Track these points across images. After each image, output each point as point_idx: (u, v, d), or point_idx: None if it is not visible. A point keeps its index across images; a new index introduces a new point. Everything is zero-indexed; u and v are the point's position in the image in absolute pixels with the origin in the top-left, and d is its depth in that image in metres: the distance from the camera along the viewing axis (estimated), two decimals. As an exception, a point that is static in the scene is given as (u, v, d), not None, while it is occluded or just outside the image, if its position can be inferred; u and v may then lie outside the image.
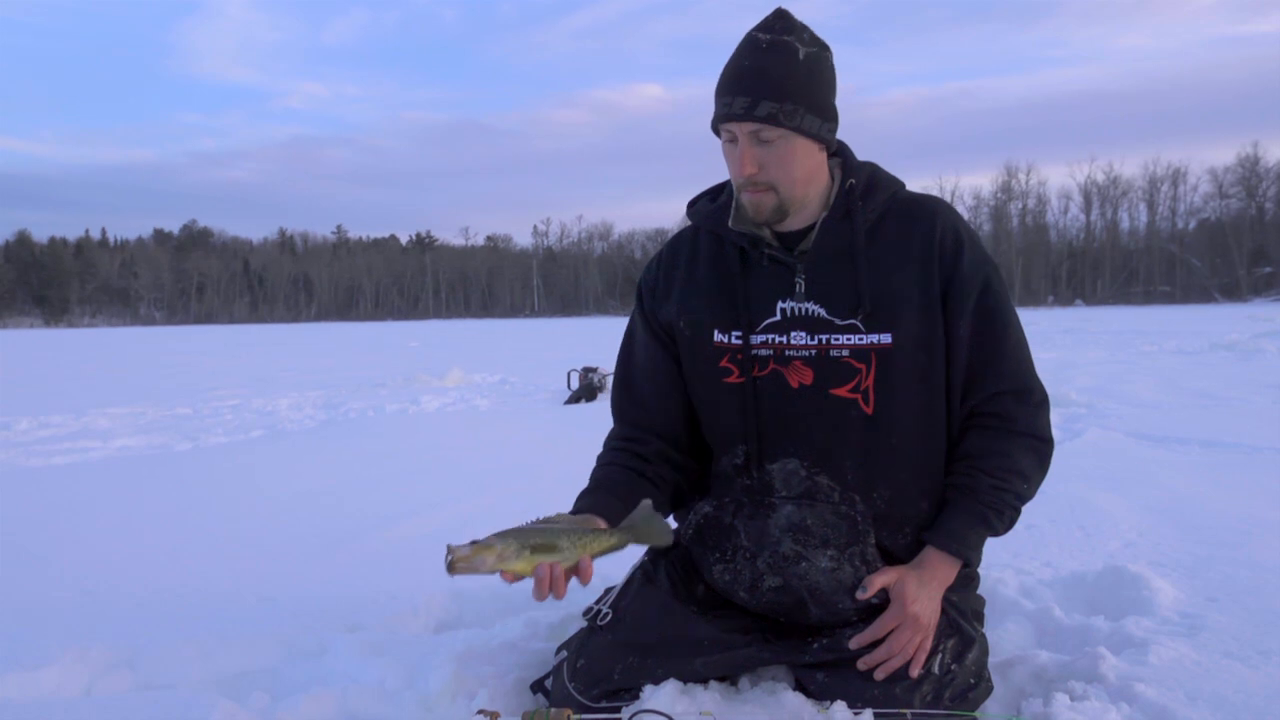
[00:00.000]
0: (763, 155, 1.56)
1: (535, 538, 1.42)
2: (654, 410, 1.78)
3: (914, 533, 1.66)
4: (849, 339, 1.59)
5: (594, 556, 1.46)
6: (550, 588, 1.41)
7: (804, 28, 1.59)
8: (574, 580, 1.45)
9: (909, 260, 1.61)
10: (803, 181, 1.61)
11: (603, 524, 1.52)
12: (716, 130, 1.63)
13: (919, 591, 1.57)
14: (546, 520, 1.48)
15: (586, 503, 1.64)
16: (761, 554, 1.64)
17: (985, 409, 1.64)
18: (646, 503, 1.56)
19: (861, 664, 1.56)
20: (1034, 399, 1.65)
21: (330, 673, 1.91)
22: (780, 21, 1.59)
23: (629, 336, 1.87)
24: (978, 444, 1.64)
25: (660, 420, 1.77)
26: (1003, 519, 1.63)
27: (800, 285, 1.62)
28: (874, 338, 1.59)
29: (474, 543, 1.38)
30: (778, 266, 1.65)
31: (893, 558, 1.65)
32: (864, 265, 1.60)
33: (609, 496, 1.64)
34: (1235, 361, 10.19)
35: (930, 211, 1.65)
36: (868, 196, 1.64)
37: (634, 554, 1.86)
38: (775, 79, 1.53)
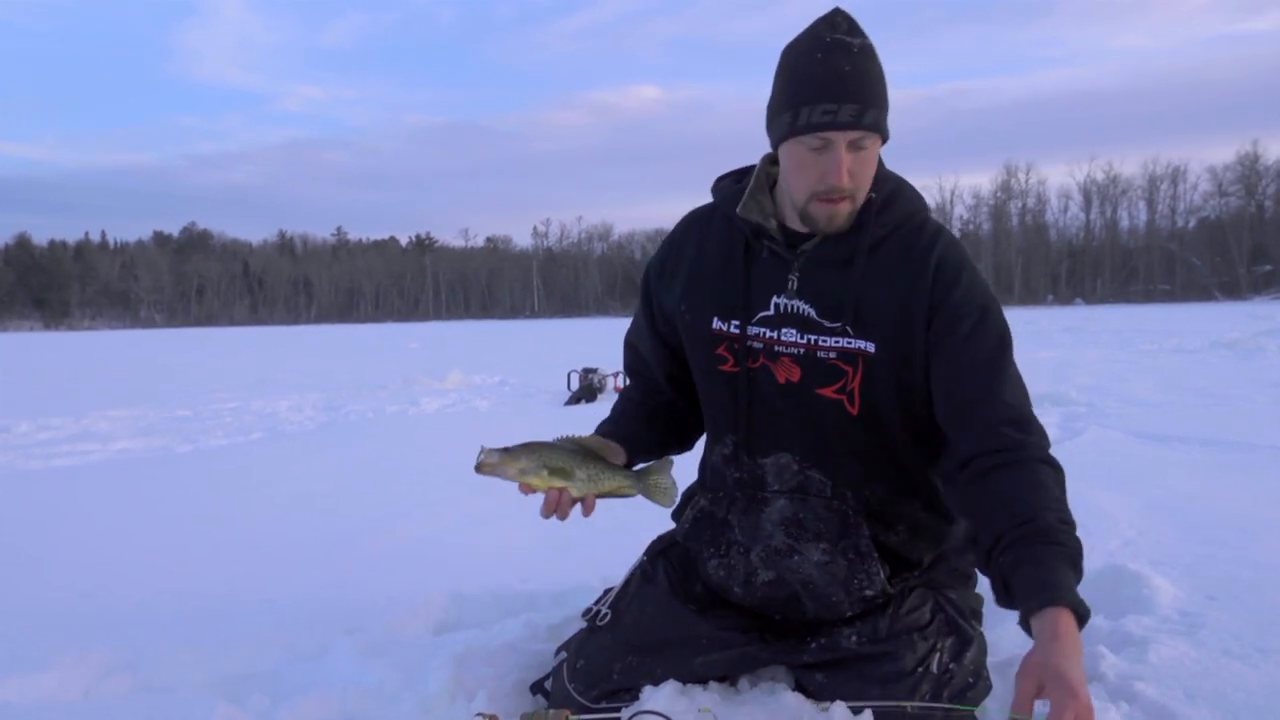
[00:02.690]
0: (853, 163, 1.52)
1: (557, 459, 1.55)
2: (649, 367, 1.88)
3: (907, 530, 1.65)
4: (837, 341, 1.59)
5: (601, 495, 1.59)
6: (555, 509, 1.55)
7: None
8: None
9: (899, 279, 1.58)
10: (870, 184, 1.59)
11: (620, 451, 1.64)
12: (782, 137, 1.55)
13: (1069, 666, 1.26)
14: (571, 439, 1.60)
15: (608, 429, 1.74)
16: (754, 547, 1.65)
17: (994, 445, 1.49)
18: (667, 460, 1.67)
19: None
20: (1037, 428, 1.55)
21: (330, 674, 1.91)
22: (850, 21, 1.54)
23: (637, 308, 1.91)
24: (1011, 483, 1.46)
25: (655, 377, 1.87)
26: (1079, 555, 1.42)
27: (793, 282, 1.62)
28: (860, 343, 1.58)
29: (505, 450, 1.53)
30: (777, 260, 1.64)
31: (887, 550, 1.64)
32: (860, 273, 1.58)
33: (631, 421, 1.78)
34: (1235, 360, 10.19)
35: (933, 239, 1.61)
36: (884, 212, 1.61)
37: (633, 554, 1.87)
38: (875, 85, 1.51)
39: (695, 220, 1.79)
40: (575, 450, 1.58)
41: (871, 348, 1.57)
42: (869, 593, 1.61)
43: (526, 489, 1.55)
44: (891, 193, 1.62)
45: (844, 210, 1.55)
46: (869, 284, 1.58)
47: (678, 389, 1.83)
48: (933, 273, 1.57)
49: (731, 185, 1.72)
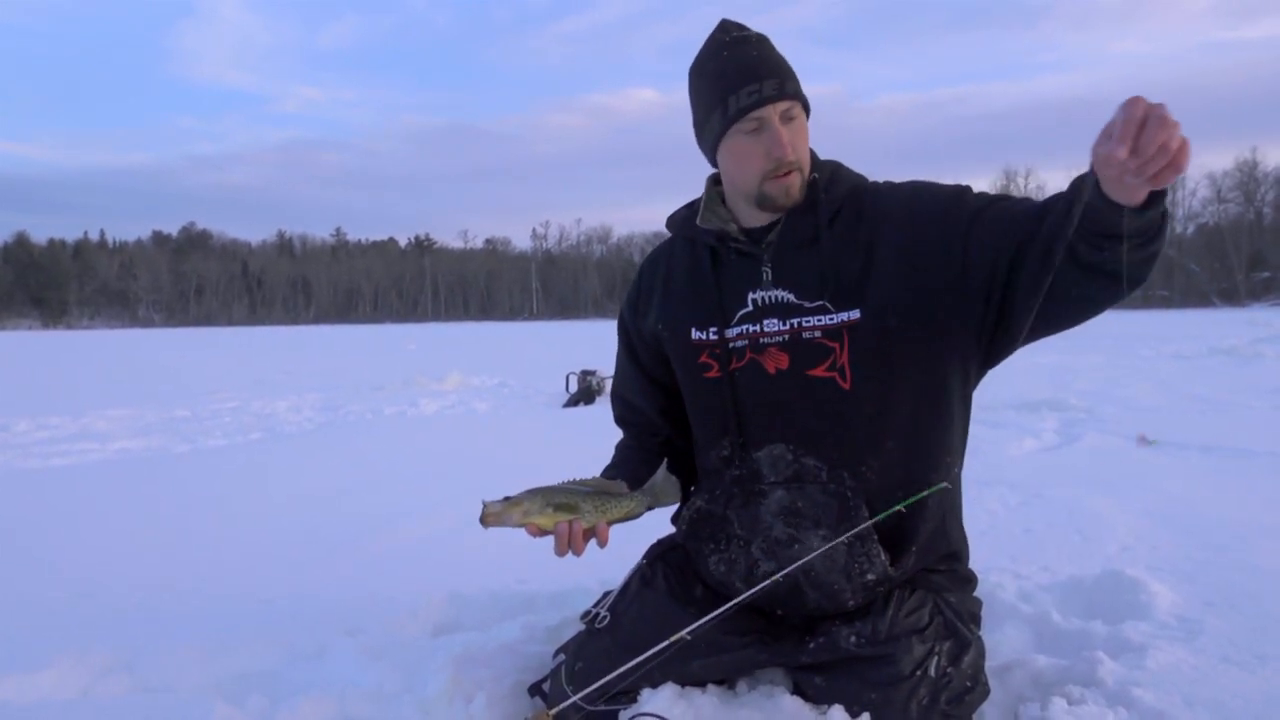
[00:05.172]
0: (789, 134, 1.59)
1: (560, 497, 1.54)
2: (641, 409, 1.88)
3: (907, 497, 1.63)
4: (819, 320, 1.61)
5: (612, 522, 1.58)
6: (569, 544, 1.53)
7: None
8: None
9: (863, 238, 1.62)
10: (808, 155, 1.66)
11: (624, 486, 1.62)
12: (718, 136, 1.62)
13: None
14: (576, 481, 1.59)
15: (612, 474, 1.75)
16: (755, 540, 1.66)
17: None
18: (663, 464, 1.67)
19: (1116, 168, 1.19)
20: None
21: (328, 676, 1.91)
22: (739, 24, 1.67)
23: (617, 357, 1.95)
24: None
25: (649, 415, 1.87)
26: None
27: (767, 274, 1.65)
28: (843, 315, 1.60)
29: (506, 499, 1.53)
30: (745, 259, 1.68)
31: (886, 530, 1.63)
32: (827, 248, 1.62)
33: (634, 466, 1.77)
34: (1233, 366, 10.20)
35: (875, 189, 1.68)
36: (830, 188, 1.66)
37: (632, 556, 1.87)
38: (783, 62, 1.62)
39: (657, 254, 1.88)
40: (578, 489, 1.58)
41: (856, 314, 1.59)
42: (870, 577, 1.61)
43: (535, 530, 1.54)
44: (833, 171, 1.69)
45: (795, 182, 1.62)
46: (838, 254, 1.62)
47: (674, 424, 1.86)
48: (896, 207, 1.62)
49: (684, 212, 1.80)
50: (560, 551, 1.53)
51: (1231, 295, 67.54)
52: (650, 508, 1.63)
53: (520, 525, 1.52)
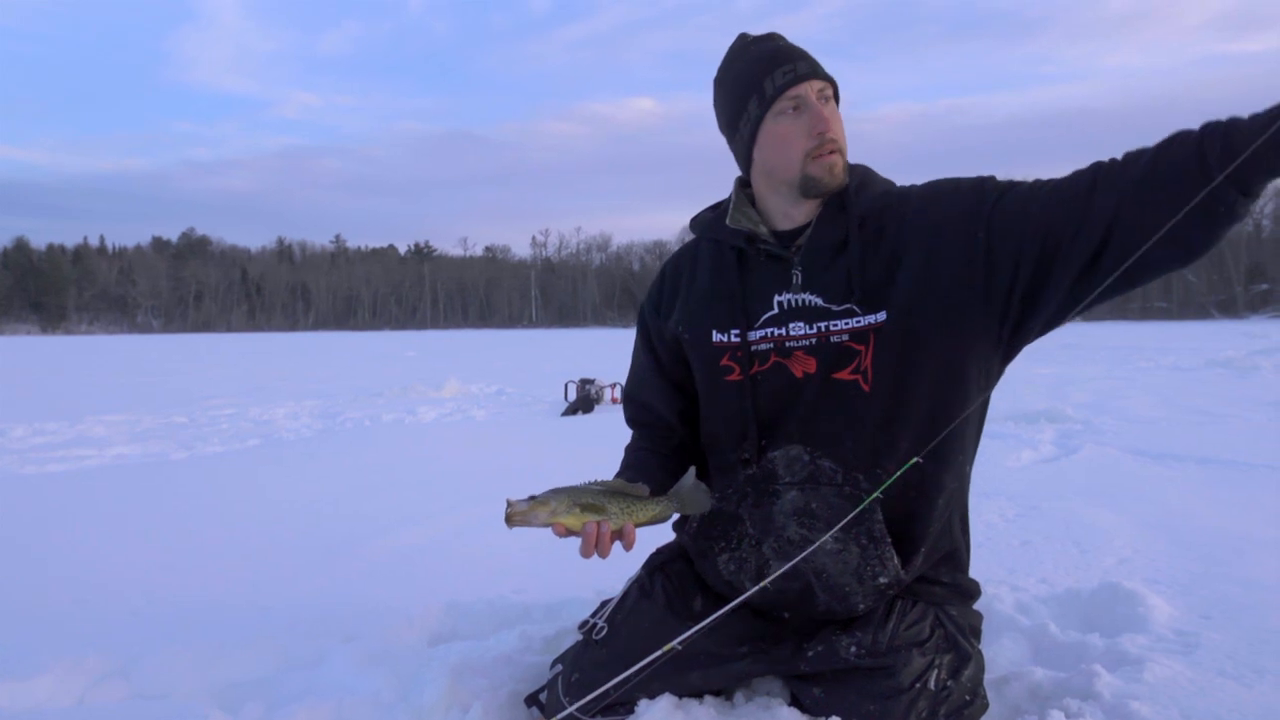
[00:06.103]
0: (828, 113, 1.60)
1: (586, 497, 1.51)
2: (658, 411, 1.85)
3: (917, 495, 1.63)
4: (847, 323, 1.61)
5: (639, 525, 1.55)
6: (596, 545, 1.49)
7: None
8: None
9: (891, 238, 1.62)
10: (845, 141, 1.66)
11: (645, 488, 1.60)
12: (757, 123, 1.62)
13: None
14: (594, 483, 1.56)
15: (629, 476, 1.71)
16: (767, 540, 1.66)
17: (1103, 168, 1.46)
18: (691, 470, 1.62)
19: None
20: None
21: (325, 683, 1.91)
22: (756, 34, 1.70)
23: (633, 356, 1.94)
24: (1152, 150, 1.40)
25: (666, 418, 1.85)
26: None
27: (797, 277, 1.65)
28: (870, 318, 1.59)
29: (531, 498, 1.48)
30: (774, 261, 1.68)
31: (897, 529, 1.63)
32: (855, 252, 1.61)
33: (647, 466, 1.75)
34: (1231, 378, 10.19)
35: (904, 191, 1.68)
36: (860, 192, 1.67)
37: (628, 566, 1.87)
38: (809, 54, 1.63)
39: (682, 254, 1.87)
40: (602, 489, 1.56)
41: (882, 317, 1.59)
42: (882, 580, 1.61)
43: (562, 530, 1.50)
44: (864, 175, 1.70)
45: (839, 162, 1.62)
46: (866, 258, 1.62)
47: (689, 428, 1.85)
48: (918, 208, 1.61)
49: (710, 213, 1.80)
50: (586, 553, 1.49)
51: (1230, 307, 67.64)
52: (677, 513, 1.61)
53: (546, 525, 1.48)
